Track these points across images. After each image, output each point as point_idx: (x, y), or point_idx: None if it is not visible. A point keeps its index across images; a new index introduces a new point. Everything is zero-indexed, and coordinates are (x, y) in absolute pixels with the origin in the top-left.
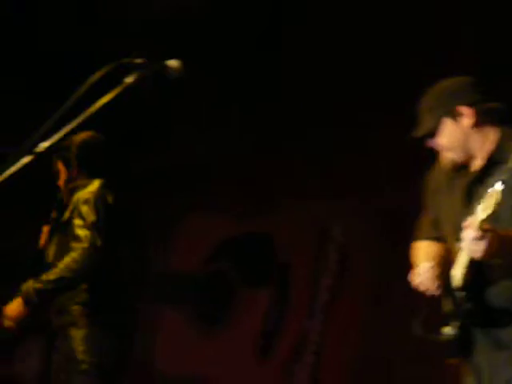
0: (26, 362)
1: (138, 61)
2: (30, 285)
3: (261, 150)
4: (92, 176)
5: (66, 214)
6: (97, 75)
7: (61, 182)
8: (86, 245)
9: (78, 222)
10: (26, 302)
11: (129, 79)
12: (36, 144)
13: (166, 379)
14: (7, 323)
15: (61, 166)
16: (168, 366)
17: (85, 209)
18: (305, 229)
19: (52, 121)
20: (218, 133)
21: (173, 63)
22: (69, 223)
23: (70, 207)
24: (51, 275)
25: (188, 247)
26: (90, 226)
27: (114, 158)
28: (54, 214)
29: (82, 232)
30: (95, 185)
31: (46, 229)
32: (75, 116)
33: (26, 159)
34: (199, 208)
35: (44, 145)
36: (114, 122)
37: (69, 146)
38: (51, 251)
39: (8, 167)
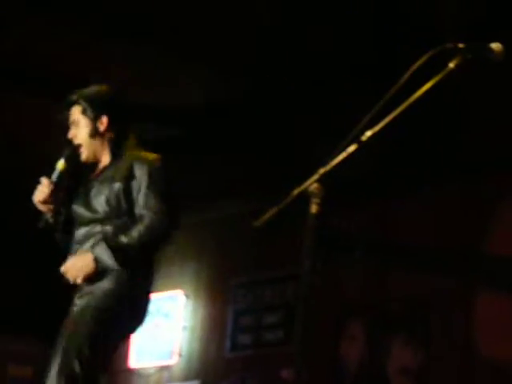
0: None
1: (461, 45)
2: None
3: None
4: None
5: None
6: (420, 61)
7: None
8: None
9: None
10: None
11: (452, 63)
12: (361, 133)
13: (488, 364)
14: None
15: None
16: (489, 350)
17: None
18: None
19: (376, 109)
20: None
21: (495, 46)
22: None
23: None
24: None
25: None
26: None
27: None
28: None
29: None
30: None
31: None
32: (397, 103)
33: (351, 148)
34: None
35: (368, 133)
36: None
37: None
38: None
39: (336, 156)
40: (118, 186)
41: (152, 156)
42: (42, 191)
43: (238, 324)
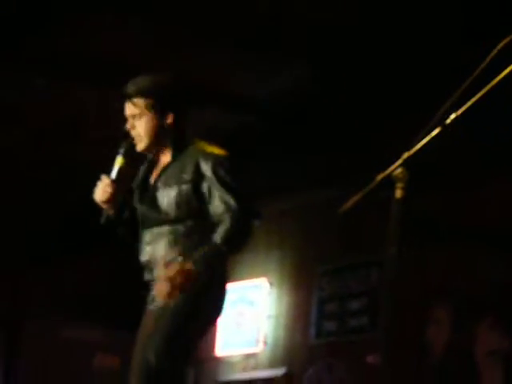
0: None
1: None
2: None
3: None
4: None
5: None
6: (505, 40)
7: None
8: None
9: None
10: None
11: None
12: (446, 115)
13: None
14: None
15: None
16: None
17: None
18: None
19: (459, 91)
20: None
21: None
22: None
23: None
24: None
25: None
26: None
27: None
28: None
29: None
30: None
31: None
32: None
33: (435, 131)
34: None
35: (452, 116)
36: None
37: None
38: None
39: (420, 141)
40: (186, 186)
41: (217, 150)
42: (102, 190)
43: (323, 311)
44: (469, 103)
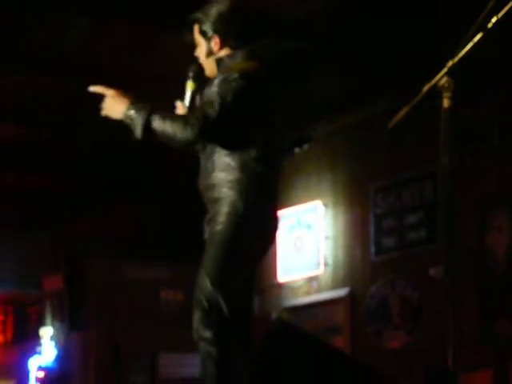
0: None
1: None
2: None
3: None
4: None
5: None
6: None
7: None
8: None
9: None
10: None
11: None
12: (487, 20)
13: None
14: None
15: None
16: None
17: None
18: None
19: None
20: None
21: None
22: None
23: None
24: None
25: None
26: None
27: None
28: None
29: None
30: None
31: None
32: None
33: (476, 37)
34: None
35: (493, 20)
36: None
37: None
38: None
39: (463, 48)
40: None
41: (243, 64)
42: None
43: (380, 227)
44: (510, 4)
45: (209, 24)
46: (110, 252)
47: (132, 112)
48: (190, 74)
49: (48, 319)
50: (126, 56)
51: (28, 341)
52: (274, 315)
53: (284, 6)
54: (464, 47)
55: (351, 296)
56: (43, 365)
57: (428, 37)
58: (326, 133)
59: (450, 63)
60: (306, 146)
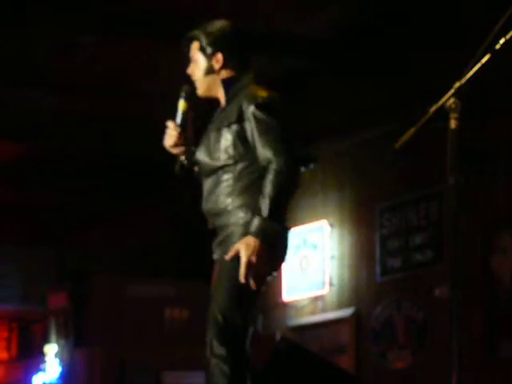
0: None
1: None
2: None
3: None
4: None
5: None
6: None
7: None
8: None
9: None
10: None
11: None
12: (495, 42)
13: None
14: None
15: None
16: None
17: None
18: None
19: (507, 15)
20: None
21: None
22: None
23: None
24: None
25: None
26: None
27: None
28: None
29: None
30: None
31: None
32: None
33: (484, 58)
34: None
35: (501, 41)
36: None
37: None
38: None
39: (470, 69)
40: (231, 129)
41: (263, 92)
42: (170, 135)
43: (386, 248)
44: None
45: (211, 41)
46: (114, 268)
47: (269, 231)
48: (182, 94)
49: (52, 336)
50: (130, 73)
51: (32, 358)
52: (278, 335)
53: (291, 26)
54: (472, 68)
55: (356, 316)
56: (47, 382)
57: (437, 57)
58: (332, 153)
59: (458, 84)
60: (312, 166)
